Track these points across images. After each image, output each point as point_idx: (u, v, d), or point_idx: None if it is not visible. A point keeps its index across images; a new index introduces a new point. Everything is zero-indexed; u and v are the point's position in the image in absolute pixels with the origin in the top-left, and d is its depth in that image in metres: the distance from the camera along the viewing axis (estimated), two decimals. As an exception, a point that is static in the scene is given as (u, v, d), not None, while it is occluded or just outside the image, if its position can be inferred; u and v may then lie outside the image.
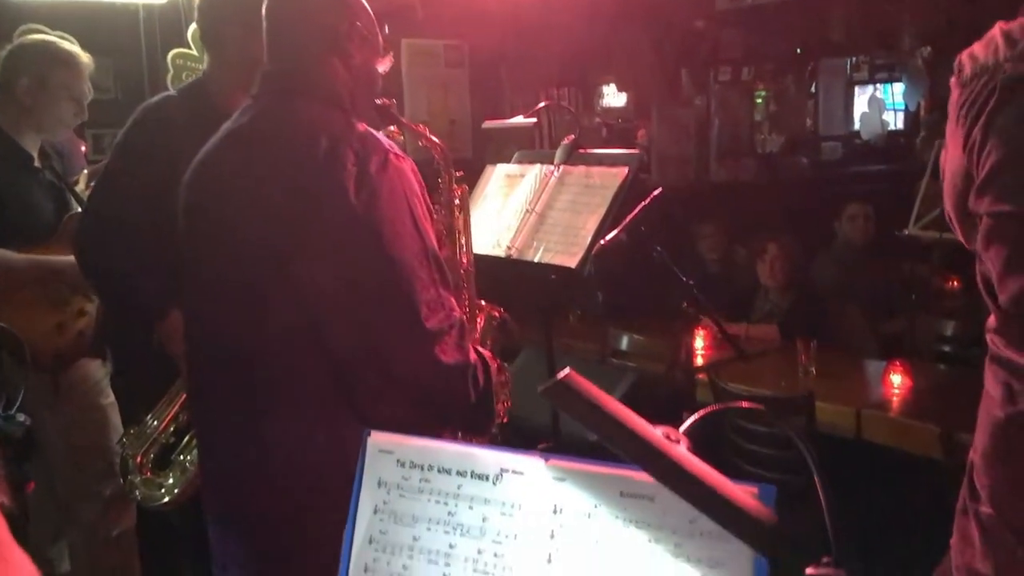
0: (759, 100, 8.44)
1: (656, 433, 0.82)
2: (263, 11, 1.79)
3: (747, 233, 4.97)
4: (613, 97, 10.01)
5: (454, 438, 1.75)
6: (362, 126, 1.69)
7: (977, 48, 1.34)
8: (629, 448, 0.81)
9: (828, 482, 0.97)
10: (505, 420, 1.96)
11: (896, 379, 3.38)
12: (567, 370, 0.83)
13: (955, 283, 4.78)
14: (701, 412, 0.90)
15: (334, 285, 1.58)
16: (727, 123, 6.68)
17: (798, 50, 8.71)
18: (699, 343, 4.02)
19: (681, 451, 0.83)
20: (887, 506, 3.03)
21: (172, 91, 2.62)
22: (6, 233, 2.65)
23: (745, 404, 1.05)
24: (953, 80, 1.38)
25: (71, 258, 2.59)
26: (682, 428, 0.86)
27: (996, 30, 1.33)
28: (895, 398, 3.33)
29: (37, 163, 2.81)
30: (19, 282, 2.66)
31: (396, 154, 1.66)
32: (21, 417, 1.87)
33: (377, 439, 1.20)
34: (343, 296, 1.58)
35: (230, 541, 1.74)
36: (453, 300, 1.69)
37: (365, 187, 1.58)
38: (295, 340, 1.61)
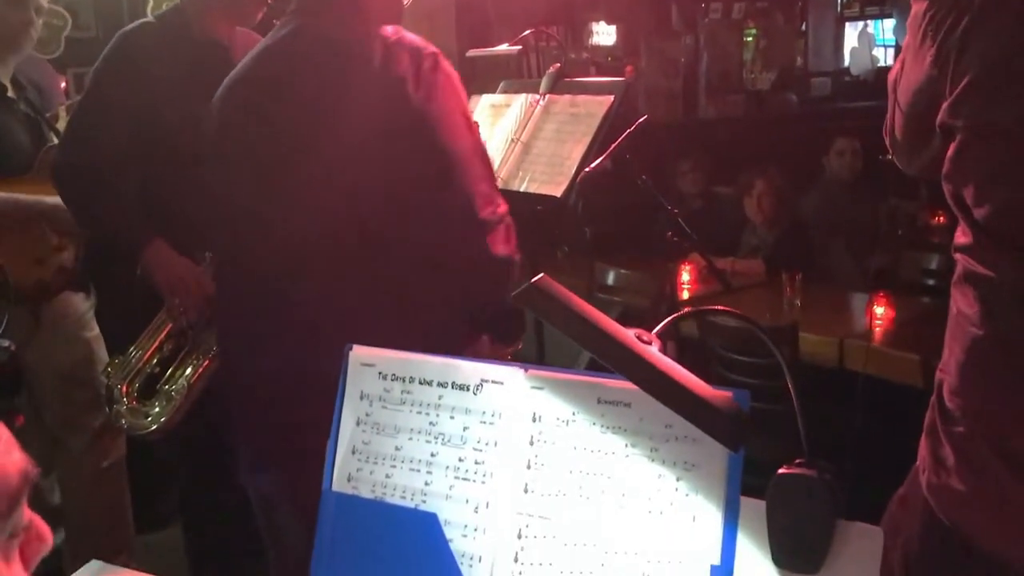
0: (749, 38, 8.36)
1: (629, 334, 0.82)
2: None
3: (735, 169, 4.95)
4: (602, 36, 9.89)
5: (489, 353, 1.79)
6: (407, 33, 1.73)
7: None
8: (602, 348, 0.81)
9: (805, 399, 0.98)
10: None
11: (879, 310, 3.40)
12: (540, 275, 0.83)
13: (941, 218, 4.80)
14: (674, 315, 0.90)
15: (391, 180, 1.63)
16: (716, 59, 6.62)
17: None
18: (685, 277, 4.03)
19: (653, 351, 0.83)
20: (865, 428, 3.09)
21: (150, 17, 2.57)
22: None
23: (720, 308, 1.05)
24: None
25: (52, 199, 2.57)
26: (655, 330, 0.87)
27: None
28: (878, 329, 3.35)
29: (11, 94, 2.76)
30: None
31: (443, 56, 1.72)
32: (5, 343, 1.87)
33: (359, 352, 1.20)
34: (400, 190, 1.64)
35: (267, 440, 1.76)
36: (501, 197, 1.75)
37: (422, 85, 1.64)
38: (343, 244, 1.65)
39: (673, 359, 0.88)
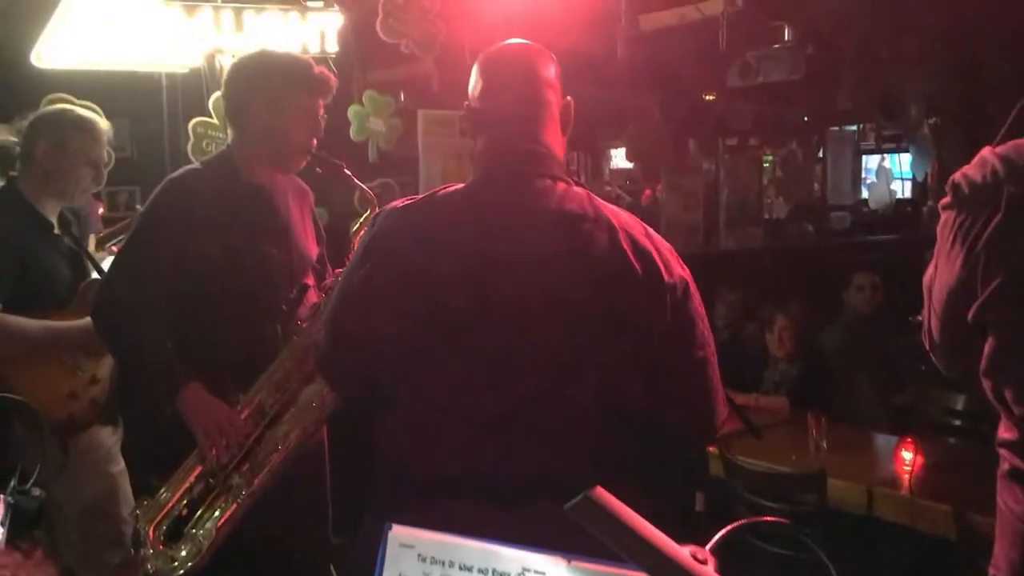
0: (766, 164, 8.53)
1: (684, 553, 0.82)
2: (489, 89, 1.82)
3: (757, 302, 4.99)
4: (621, 160, 10.13)
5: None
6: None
7: (970, 170, 1.38)
8: (658, 568, 0.81)
9: (834, 548, 0.97)
10: None
11: (907, 455, 3.36)
12: (594, 487, 0.84)
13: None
14: (726, 529, 0.91)
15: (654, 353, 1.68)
16: (736, 191, 6.76)
17: (804, 118, 8.81)
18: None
19: (710, 572, 0.83)
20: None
21: (196, 163, 2.67)
22: (24, 300, 2.66)
23: (775, 519, 1.04)
24: (945, 201, 1.41)
25: (84, 321, 2.62)
26: (708, 546, 0.87)
27: (987, 153, 1.37)
28: (907, 475, 3.31)
29: (56, 230, 2.85)
30: (34, 348, 2.68)
31: None
32: (36, 491, 1.86)
33: (398, 533, 1.20)
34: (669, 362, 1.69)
35: None
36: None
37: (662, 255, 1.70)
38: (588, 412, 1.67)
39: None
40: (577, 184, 1.80)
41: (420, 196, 1.83)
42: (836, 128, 9.26)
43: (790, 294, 4.92)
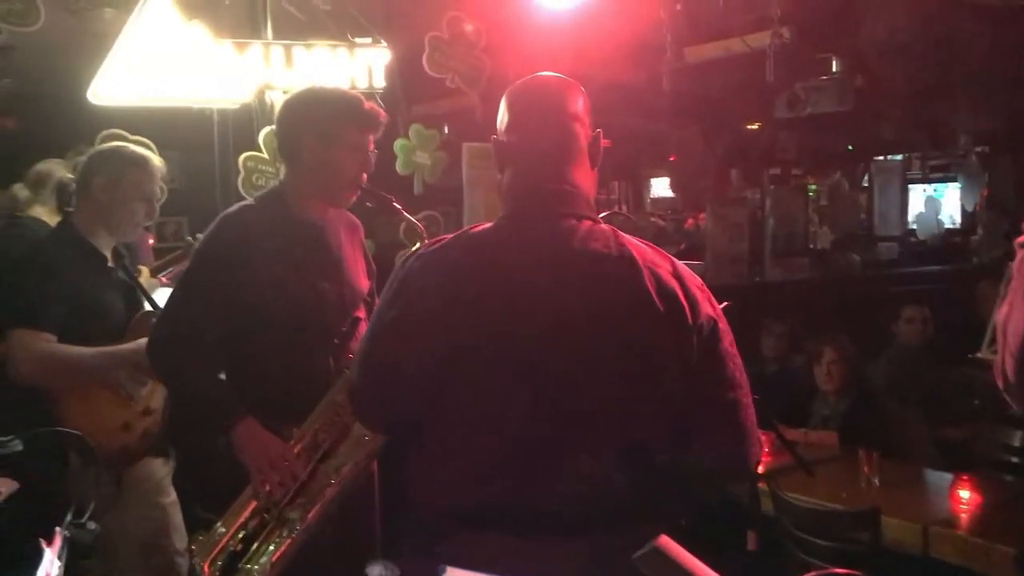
0: (810, 193, 8.46)
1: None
2: (515, 129, 1.83)
3: (804, 334, 4.92)
4: (662, 189, 10.11)
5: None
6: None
7: None
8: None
9: None
10: None
11: (964, 494, 3.29)
12: (661, 537, 0.83)
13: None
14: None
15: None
16: (782, 222, 6.72)
17: (849, 147, 8.73)
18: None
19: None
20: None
21: (249, 199, 2.70)
22: (78, 333, 2.70)
23: (841, 571, 1.01)
24: (1021, 240, 1.39)
25: (136, 344, 2.65)
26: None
27: None
28: (964, 514, 3.23)
29: (110, 263, 2.90)
30: (91, 376, 2.71)
31: None
32: (92, 525, 1.88)
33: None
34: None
35: None
36: None
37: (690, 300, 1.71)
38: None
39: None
40: (607, 218, 1.81)
41: (448, 236, 1.85)
42: (881, 158, 9.17)
43: (837, 326, 4.85)
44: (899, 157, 9.09)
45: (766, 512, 3.38)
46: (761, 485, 3.43)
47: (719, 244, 5.94)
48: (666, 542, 0.82)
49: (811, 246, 7.64)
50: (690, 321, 1.66)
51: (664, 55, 4.51)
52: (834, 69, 5.35)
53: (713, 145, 6.92)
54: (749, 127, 7.42)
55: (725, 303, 2.38)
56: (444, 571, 1.15)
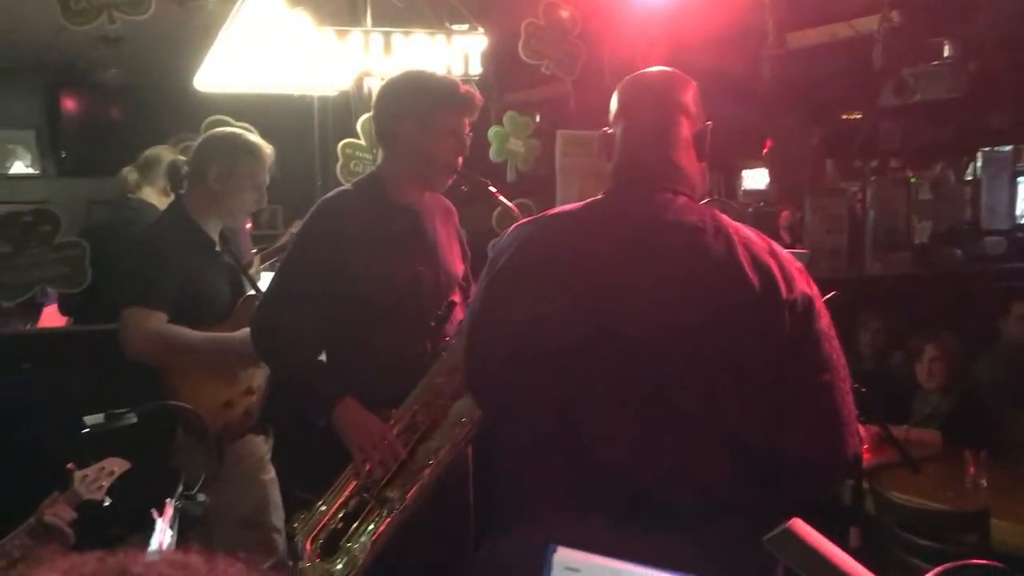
0: (912, 182, 8.19)
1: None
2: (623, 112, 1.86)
3: (904, 330, 4.76)
4: (754, 180, 9.91)
5: None
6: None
7: None
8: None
9: None
10: None
11: (1079, 499, 3.13)
12: (793, 519, 0.80)
13: None
14: (938, 569, 0.85)
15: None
16: (883, 214, 6.50)
17: (955, 138, 8.41)
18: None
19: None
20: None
21: (347, 185, 2.74)
22: (186, 315, 2.77)
23: (978, 561, 0.97)
24: None
25: (243, 332, 2.71)
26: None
27: None
28: (1078, 519, 3.08)
29: (218, 247, 2.97)
30: (197, 360, 2.78)
31: None
32: (201, 497, 1.94)
33: (563, 555, 1.18)
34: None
35: None
36: None
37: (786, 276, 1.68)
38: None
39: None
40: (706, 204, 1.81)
41: (546, 212, 1.89)
42: (988, 149, 8.80)
43: (940, 322, 4.67)
44: (1008, 148, 8.70)
45: (867, 510, 3.29)
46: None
47: (817, 236, 5.78)
48: (799, 524, 0.79)
49: (916, 241, 7.39)
50: (784, 295, 1.63)
51: (765, 41, 4.41)
52: (946, 54, 5.13)
53: (813, 134, 6.73)
54: (847, 116, 7.20)
55: (832, 293, 2.34)
56: (555, 551, 1.14)
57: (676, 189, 1.75)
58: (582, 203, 1.83)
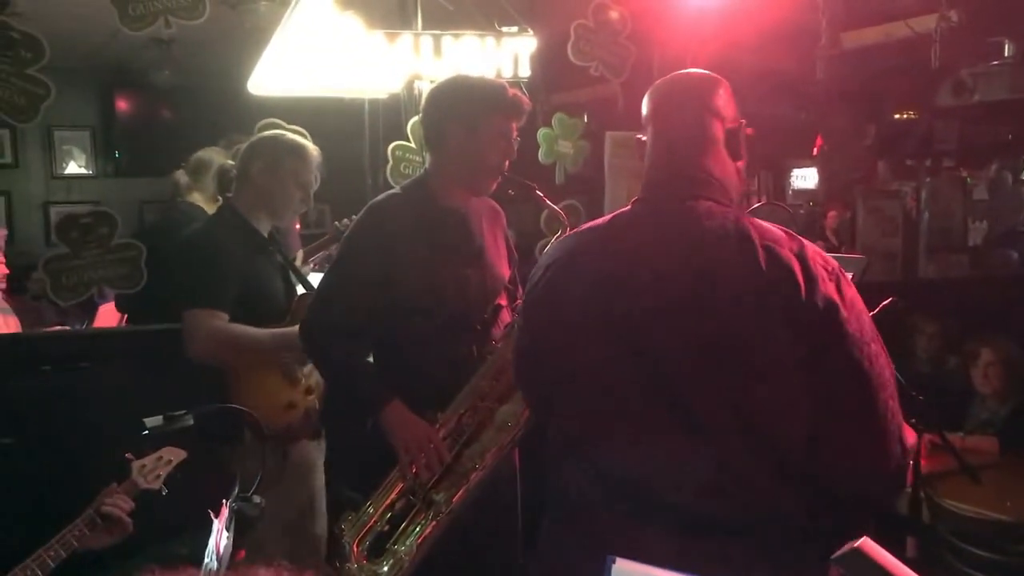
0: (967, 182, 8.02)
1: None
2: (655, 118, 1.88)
3: (960, 335, 4.67)
4: (803, 180, 9.78)
5: None
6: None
7: None
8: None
9: None
10: None
11: None
12: (863, 538, 0.78)
13: None
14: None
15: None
16: (938, 215, 6.36)
17: (1009, 136, 8.22)
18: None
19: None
20: None
21: (396, 188, 2.75)
22: (247, 313, 2.79)
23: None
24: None
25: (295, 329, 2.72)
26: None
27: None
28: None
29: (270, 246, 2.99)
30: (258, 357, 2.79)
31: None
32: (257, 499, 1.95)
33: (622, 567, 1.18)
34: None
35: None
36: None
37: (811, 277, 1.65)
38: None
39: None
40: (755, 211, 1.81)
41: (583, 226, 1.97)
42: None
43: (996, 326, 4.57)
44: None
45: (923, 519, 3.22)
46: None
47: (871, 238, 5.67)
48: (868, 544, 0.78)
49: (971, 244, 7.23)
50: (803, 297, 1.59)
51: (819, 41, 4.34)
52: (1006, 54, 5.00)
53: (868, 135, 6.61)
54: (899, 116, 7.06)
55: (890, 299, 2.29)
56: (614, 562, 1.13)
57: (703, 195, 1.75)
58: (610, 216, 1.87)
